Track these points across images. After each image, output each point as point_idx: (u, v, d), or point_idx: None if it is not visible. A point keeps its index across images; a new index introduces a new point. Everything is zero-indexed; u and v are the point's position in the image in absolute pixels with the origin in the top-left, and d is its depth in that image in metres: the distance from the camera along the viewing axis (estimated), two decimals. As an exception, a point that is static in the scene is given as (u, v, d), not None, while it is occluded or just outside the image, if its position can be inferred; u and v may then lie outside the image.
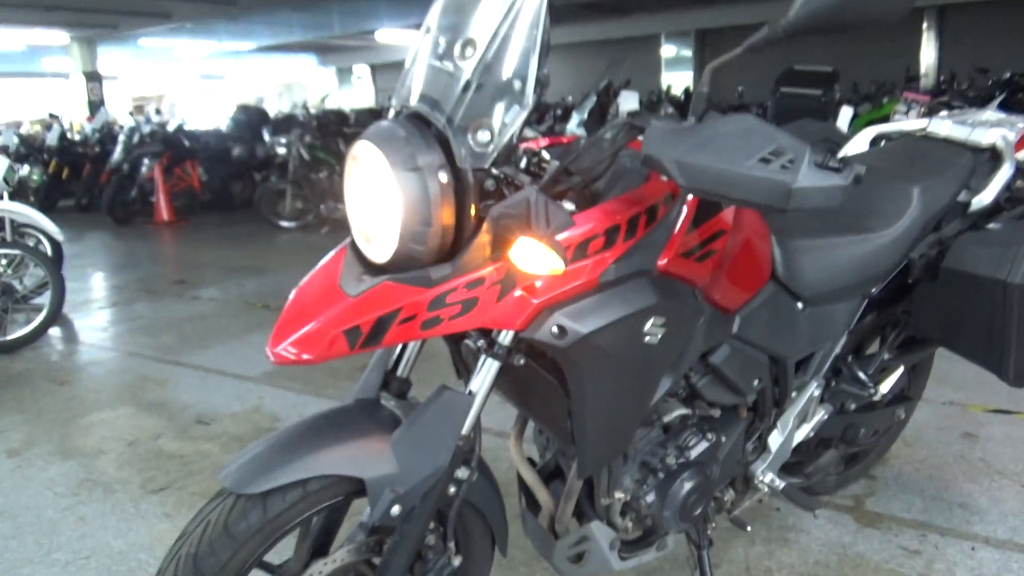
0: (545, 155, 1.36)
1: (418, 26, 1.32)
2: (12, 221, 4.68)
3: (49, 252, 4.94)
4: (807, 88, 6.17)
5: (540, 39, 1.16)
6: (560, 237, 1.21)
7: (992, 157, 2.05)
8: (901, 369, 2.03)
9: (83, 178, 10.58)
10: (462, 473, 1.37)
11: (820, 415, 1.90)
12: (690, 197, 1.36)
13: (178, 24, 16.07)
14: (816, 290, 1.74)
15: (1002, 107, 3.22)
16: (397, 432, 1.31)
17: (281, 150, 8.05)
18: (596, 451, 1.39)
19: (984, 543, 2.09)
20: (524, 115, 1.17)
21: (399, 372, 1.48)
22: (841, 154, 2.22)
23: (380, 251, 1.21)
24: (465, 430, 1.32)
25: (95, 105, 17.53)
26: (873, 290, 1.86)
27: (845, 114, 5.20)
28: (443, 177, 1.16)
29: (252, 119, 10.49)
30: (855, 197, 1.92)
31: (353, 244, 1.31)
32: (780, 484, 1.83)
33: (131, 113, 15.06)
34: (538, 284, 1.23)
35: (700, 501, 1.63)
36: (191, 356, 4.11)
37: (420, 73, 1.25)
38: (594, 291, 1.26)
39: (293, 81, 29.55)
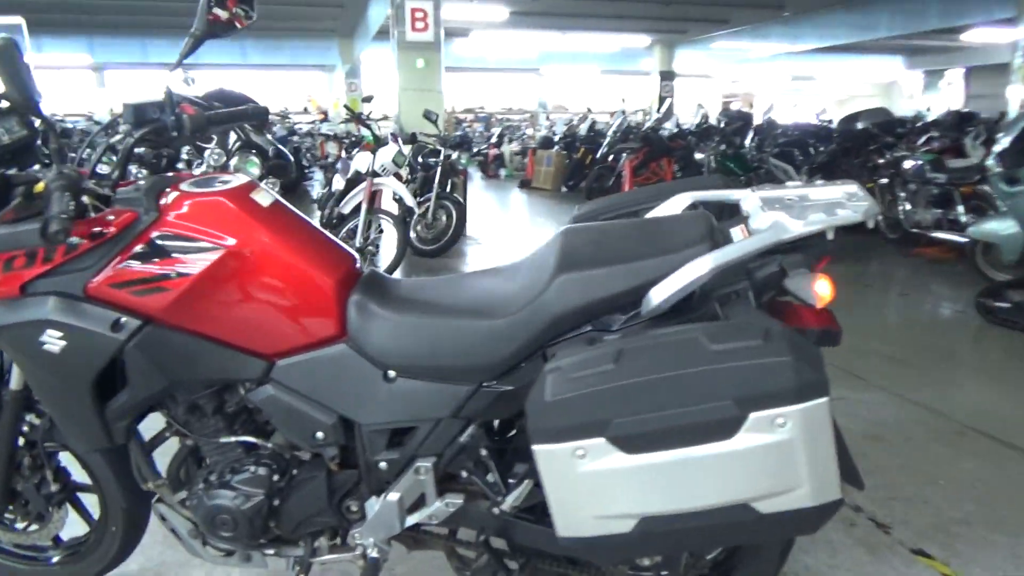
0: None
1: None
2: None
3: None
4: None
5: None
6: None
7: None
8: (527, 484, 1.59)
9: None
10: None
11: (443, 503, 1.68)
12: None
13: (738, 28, 16.84)
14: (402, 364, 1.61)
15: None
16: None
17: (699, 155, 8.20)
18: (71, 432, 1.66)
19: None
20: None
21: None
22: (649, 215, 1.76)
23: None
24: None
25: (663, 100, 19.63)
26: (493, 380, 1.57)
27: None
28: None
29: (733, 121, 10.70)
30: (502, 279, 1.65)
31: None
32: (374, 553, 1.72)
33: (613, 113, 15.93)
34: None
35: (231, 525, 1.70)
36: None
37: None
38: (12, 299, 1.56)
39: (889, 82, 27.80)
